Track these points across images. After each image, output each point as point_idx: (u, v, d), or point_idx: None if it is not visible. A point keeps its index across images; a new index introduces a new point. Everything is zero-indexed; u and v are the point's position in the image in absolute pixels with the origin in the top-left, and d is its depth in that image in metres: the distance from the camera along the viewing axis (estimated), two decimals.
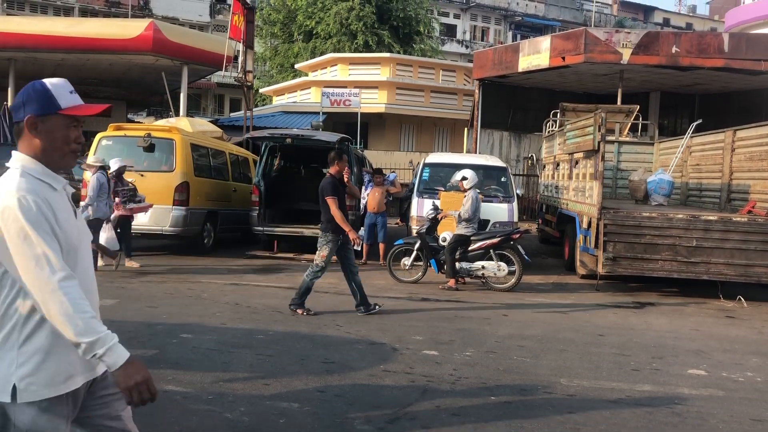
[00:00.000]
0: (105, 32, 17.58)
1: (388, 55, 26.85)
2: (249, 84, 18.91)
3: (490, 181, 11.88)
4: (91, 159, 10.10)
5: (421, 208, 11.37)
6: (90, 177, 9.57)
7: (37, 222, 1.87)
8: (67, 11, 33.10)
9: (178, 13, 34.77)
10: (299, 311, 7.36)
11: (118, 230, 9.86)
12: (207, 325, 6.63)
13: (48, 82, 2.03)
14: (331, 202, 7.51)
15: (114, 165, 10.05)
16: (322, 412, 4.33)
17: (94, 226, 8.94)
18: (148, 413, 3.94)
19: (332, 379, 5.04)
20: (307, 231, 12.25)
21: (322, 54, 28.30)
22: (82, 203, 9.54)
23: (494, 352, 6.13)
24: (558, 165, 13.62)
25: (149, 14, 31.86)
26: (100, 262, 9.62)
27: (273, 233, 12.42)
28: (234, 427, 4.04)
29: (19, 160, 1.99)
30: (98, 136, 11.73)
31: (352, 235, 7.60)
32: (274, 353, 5.70)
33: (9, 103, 17.35)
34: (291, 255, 12.24)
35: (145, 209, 10.59)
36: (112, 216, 9.71)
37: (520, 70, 17.20)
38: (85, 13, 32.36)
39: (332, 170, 7.83)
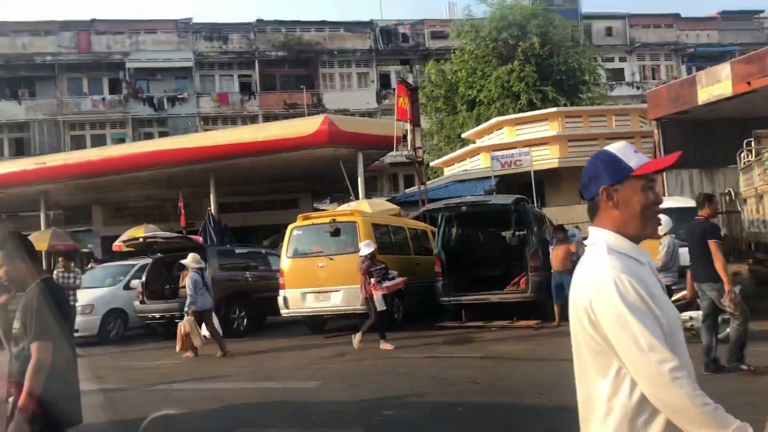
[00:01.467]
0: (286, 133, 19.15)
1: (554, 109, 26.48)
2: (420, 159, 19.52)
3: (685, 224, 11.07)
4: (189, 258, 11.13)
5: None
6: (188, 277, 10.91)
7: (635, 305, 1.68)
8: (253, 119, 36.57)
9: (347, 104, 37.08)
10: (744, 366, 6.75)
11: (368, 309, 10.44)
12: (408, 400, 6.69)
13: (612, 148, 1.88)
14: (716, 247, 6.67)
15: (365, 249, 10.54)
16: None
17: (200, 317, 10.59)
18: None
19: None
20: (494, 297, 12.12)
21: (486, 120, 28.58)
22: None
23: None
24: (762, 197, 12.41)
25: (323, 110, 34.28)
26: (188, 353, 10.53)
27: (459, 302, 12.41)
28: None
29: (601, 235, 1.84)
30: (290, 227, 12.63)
31: (727, 287, 6.65)
32: (476, 425, 5.60)
33: (212, 209, 19.30)
34: (480, 323, 12.11)
35: (399, 285, 11.04)
36: (371, 295, 10.33)
37: (700, 103, 16.10)
38: (268, 118, 35.51)
39: (703, 213, 7.07)
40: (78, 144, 34.44)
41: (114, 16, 37.33)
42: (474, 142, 29.53)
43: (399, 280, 10.88)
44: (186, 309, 10.70)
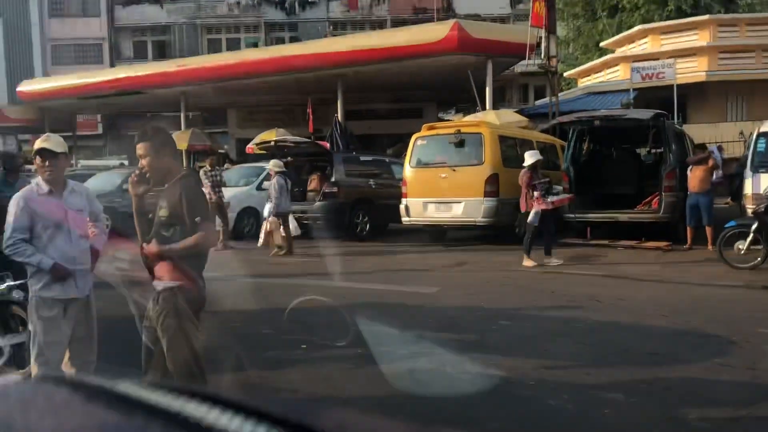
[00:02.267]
0: (415, 39, 18.80)
1: (707, 17, 24.22)
2: (553, 69, 18.65)
3: None
4: (271, 164, 11.79)
5: (757, 184, 10.08)
6: (273, 180, 11.56)
7: None
8: (381, 24, 36.17)
9: (479, 9, 35.67)
10: None
11: (539, 225, 9.74)
12: (525, 312, 6.69)
13: None
14: None
15: (529, 159, 9.98)
16: (650, 405, 4.07)
17: (284, 218, 11.41)
18: (467, 396, 4.13)
19: (659, 372, 4.71)
20: (622, 216, 11.68)
21: (629, 28, 26.68)
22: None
23: None
24: None
25: (453, 15, 33.24)
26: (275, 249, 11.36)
27: (585, 219, 12.07)
28: (558, 413, 4.02)
29: None
30: (414, 136, 12.62)
31: None
32: (594, 343, 5.54)
33: (339, 116, 19.58)
34: (606, 241, 11.76)
35: (565, 201, 10.84)
36: (534, 210, 9.73)
37: None
38: (396, 23, 35.00)
39: None
40: (214, 48, 35.66)
41: None
42: (613, 52, 27.80)
43: (565, 196, 10.59)
44: (271, 210, 11.50)
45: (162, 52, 35.92)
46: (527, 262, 9.66)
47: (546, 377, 4.64)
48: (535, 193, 9.70)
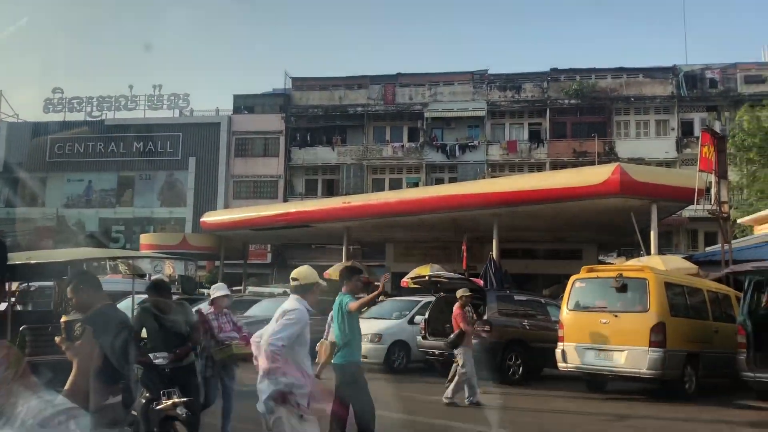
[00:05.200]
0: (574, 181, 18.71)
1: None
2: (725, 215, 17.61)
3: None
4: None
5: None
6: None
7: None
8: (540, 167, 36.52)
9: (643, 153, 35.13)
10: None
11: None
12: None
13: None
14: None
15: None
16: None
17: None
18: None
19: None
20: None
21: None
22: None
23: None
24: None
25: (615, 159, 32.90)
26: None
27: (766, 380, 10.80)
28: None
29: None
30: (572, 278, 12.25)
31: None
32: None
33: (494, 254, 19.57)
34: None
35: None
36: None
37: None
38: (556, 166, 35.17)
39: None
40: (378, 186, 37.72)
41: (417, 70, 40.26)
42: None
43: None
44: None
45: (330, 190, 38.53)
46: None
47: None
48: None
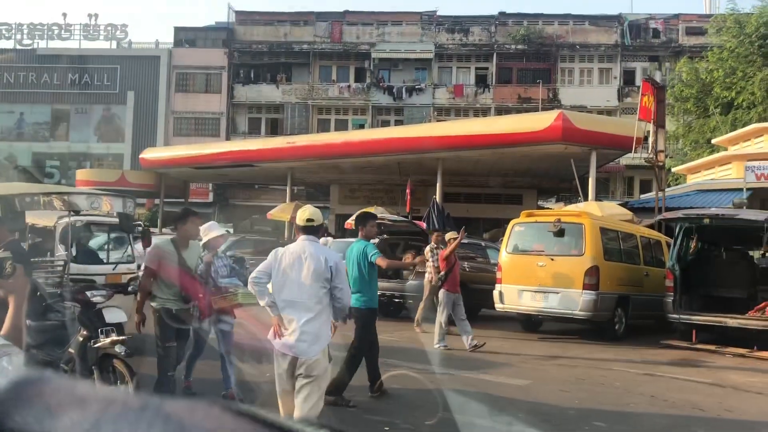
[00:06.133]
0: (518, 127, 18.92)
1: None
2: (661, 164, 18.16)
3: None
4: None
5: None
6: None
7: None
8: (485, 112, 36.75)
9: (585, 101, 35.66)
10: None
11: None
12: (621, 415, 6.32)
13: None
14: None
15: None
16: None
17: None
18: None
19: None
20: (732, 321, 10.96)
21: (744, 125, 25.77)
22: None
23: None
24: None
25: (558, 106, 33.35)
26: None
27: (690, 322, 11.41)
28: None
29: None
30: (512, 222, 12.52)
31: None
32: None
33: (437, 198, 19.77)
34: (713, 347, 11.02)
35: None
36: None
37: None
38: (500, 111, 35.45)
39: None
40: (323, 127, 37.32)
41: (365, 8, 39.46)
42: (726, 149, 26.90)
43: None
44: None
45: (274, 129, 37.88)
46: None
47: None
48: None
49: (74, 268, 9.14)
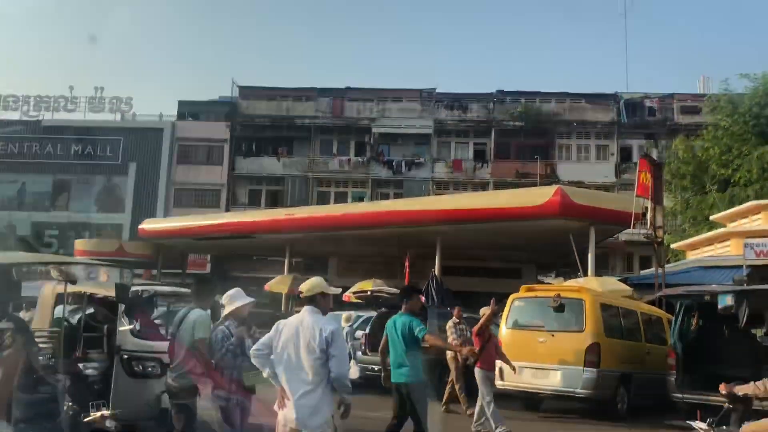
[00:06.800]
0: (516, 201, 19.06)
1: None
2: (659, 240, 18.19)
3: None
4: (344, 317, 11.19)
5: None
6: None
7: None
8: (484, 186, 37.06)
9: (583, 176, 36.03)
10: None
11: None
12: None
13: None
14: None
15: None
16: None
17: None
18: None
19: None
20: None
21: (741, 203, 25.97)
22: None
23: None
24: None
25: (556, 181, 33.65)
26: None
27: (694, 401, 11.14)
28: None
29: None
30: (511, 297, 12.41)
31: None
32: None
33: (436, 271, 19.70)
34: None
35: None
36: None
37: None
38: (498, 186, 35.73)
39: None
40: (323, 200, 37.57)
41: (366, 85, 40.37)
42: (724, 226, 26.99)
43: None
44: None
45: (274, 201, 38.13)
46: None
47: None
48: None
49: (134, 343, 7.71)
